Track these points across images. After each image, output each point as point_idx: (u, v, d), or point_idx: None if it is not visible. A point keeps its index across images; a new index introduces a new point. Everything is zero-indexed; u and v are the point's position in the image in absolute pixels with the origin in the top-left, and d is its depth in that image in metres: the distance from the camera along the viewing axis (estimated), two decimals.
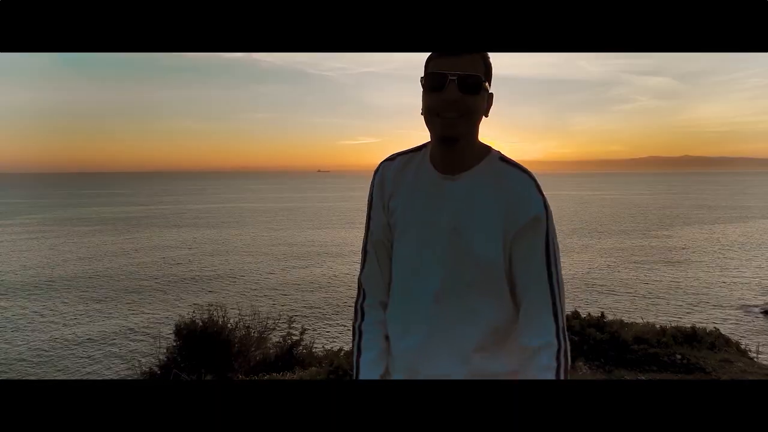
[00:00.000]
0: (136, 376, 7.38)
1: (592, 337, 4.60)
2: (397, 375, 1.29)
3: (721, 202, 65.75)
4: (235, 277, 22.04)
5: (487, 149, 1.22)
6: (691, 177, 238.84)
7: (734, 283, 21.07)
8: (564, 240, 32.83)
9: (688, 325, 5.61)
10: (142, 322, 15.35)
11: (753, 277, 21.89)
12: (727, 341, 5.54)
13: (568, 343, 1.14)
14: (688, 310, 16.86)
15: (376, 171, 1.32)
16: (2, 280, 20.59)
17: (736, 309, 17.38)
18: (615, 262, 25.55)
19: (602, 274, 22.81)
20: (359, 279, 1.37)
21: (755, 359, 5.19)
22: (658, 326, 5.26)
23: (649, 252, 28.46)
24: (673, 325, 5.55)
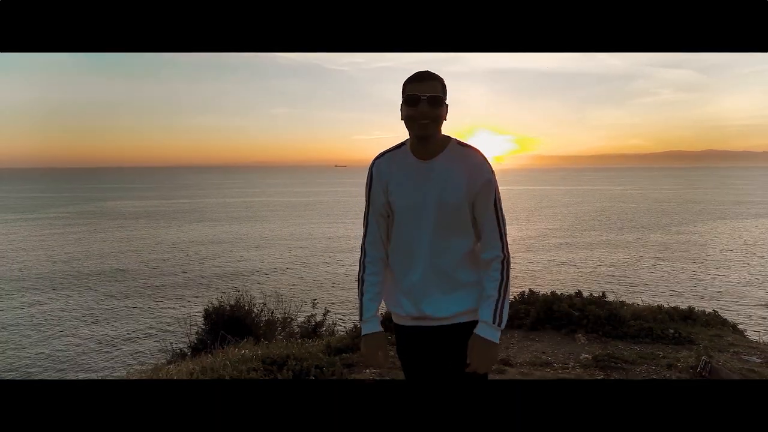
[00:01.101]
0: (168, 357, 7.85)
1: (593, 314, 5.02)
2: (405, 300, 1.83)
3: (746, 198, 64.59)
4: (257, 272, 22.66)
5: (448, 139, 1.81)
6: (715, 172, 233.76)
7: (758, 280, 20.92)
8: (585, 234, 32.84)
9: (685, 307, 5.96)
10: (170, 313, 16.04)
11: None
12: (723, 321, 5.88)
13: (508, 255, 1.79)
14: (707, 307, 16.94)
15: (372, 166, 1.88)
16: (32, 274, 21.51)
17: (760, 306, 17.32)
18: (635, 258, 25.51)
19: (621, 270, 22.83)
20: (363, 243, 1.91)
21: (744, 334, 5.55)
22: (656, 306, 5.65)
23: (670, 248, 28.31)
24: (672, 305, 5.91)
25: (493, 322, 1.70)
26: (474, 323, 1.75)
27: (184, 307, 15.75)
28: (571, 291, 5.79)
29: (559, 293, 5.63)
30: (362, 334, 1.83)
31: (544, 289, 6.01)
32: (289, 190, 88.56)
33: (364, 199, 1.95)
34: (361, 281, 1.87)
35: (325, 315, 8.07)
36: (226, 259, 24.60)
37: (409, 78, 1.75)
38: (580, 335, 4.80)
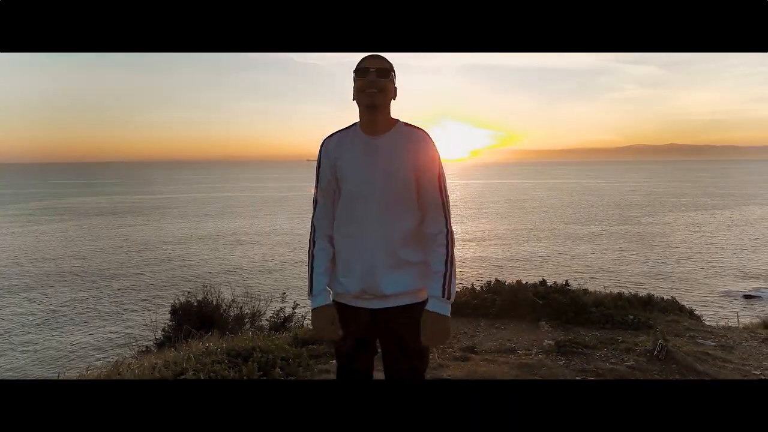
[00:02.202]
0: (132, 354, 7.71)
1: (556, 301, 5.13)
2: (347, 277, 1.85)
3: (705, 190, 66.74)
4: (226, 265, 22.36)
5: (395, 120, 1.88)
6: (677, 165, 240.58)
7: (717, 268, 21.59)
8: (551, 227, 33.45)
9: (644, 294, 6.15)
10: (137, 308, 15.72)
11: (733, 264, 22.48)
12: (680, 308, 6.10)
13: (451, 230, 1.83)
14: (667, 293, 17.48)
15: (322, 145, 1.93)
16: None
17: (719, 294, 17.89)
18: (599, 249, 26.07)
19: (587, 261, 23.30)
20: (312, 220, 1.96)
21: (701, 320, 5.76)
22: (616, 293, 5.81)
23: (633, 239, 29.02)
24: (632, 293, 6.09)
25: (443, 296, 1.73)
26: (415, 306, 1.78)
27: (147, 309, 15.45)
28: (536, 280, 5.90)
29: (524, 282, 5.74)
30: (312, 307, 1.84)
31: (510, 279, 6.12)
32: (260, 185, 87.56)
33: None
34: (311, 256, 1.91)
35: (294, 308, 8.03)
36: (192, 255, 24.22)
37: (362, 58, 1.83)
38: (543, 323, 4.91)
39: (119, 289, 17.75)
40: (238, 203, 51.54)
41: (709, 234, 30.07)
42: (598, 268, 21.41)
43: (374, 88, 1.78)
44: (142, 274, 20.30)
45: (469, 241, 28.14)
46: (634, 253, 24.39)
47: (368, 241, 1.81)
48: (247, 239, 28.89)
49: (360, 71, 1.80)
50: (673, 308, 5.84)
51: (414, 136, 1.84)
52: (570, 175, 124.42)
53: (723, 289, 18.18)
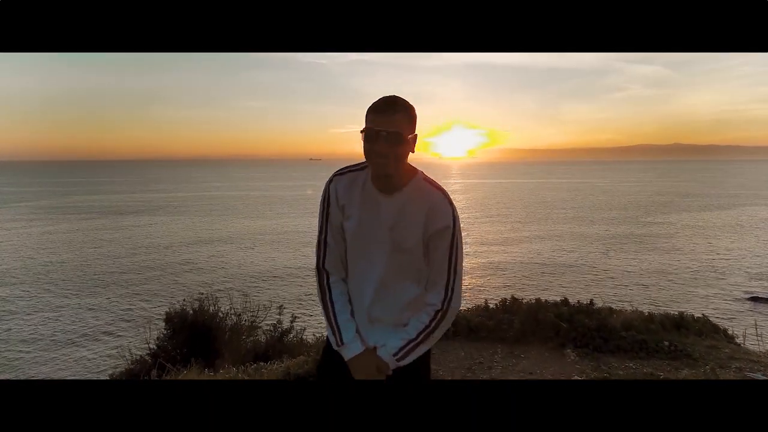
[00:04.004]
0: (125, 365, 7.37)
1: (581, 324, 4.59)
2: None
3: (709, 190, 66.25)
4: (225, 267, 21.97)
5: (414, 171, 1.64)
6: (681, 165, 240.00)
7: (721, 270, 21.25)
8: (555, 227, 32.95)
9: (676, 312, 5.62)
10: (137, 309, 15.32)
11: (738, 265, 22.10)
12: (714, 328, 5.56)
13: (450, 307, 1.66)
14: (676, 298, 17.01)
15: (330, 181, 1.70)
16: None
17: (723, 296, 17.54)
18: (605, 249, 25.69)
19: (591, 261, 22.94)
20: (321, 264, 1.73)
21: (741, 345, 5.22)
22: (646, 313, 5.27)
23: (638, 239, 28.64)
24: (661, 311, 5.56)
25: (394, 355, 1.62)
26: (406, 370, 1.64)
27: (144, 308, 15.00)
28: (555, 296, 5.36)
29: (543, 300, 5.20)
30: (347, 358, 1.64)
31: (526, 294, 5.59)
32: (264, 184, 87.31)
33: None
34: (330, 303, 1.71)
35: (292, 322, 7.59)
36: (193, 255, 23.78)
37: (370, 107, 1.57)
38: (569, 350, 4.36)
39: (120, 296, 17.28)
40: (244, 202, 51.11)
41: (714, 235, 29.53)
42: (608, 268, 20.91)
43: (383, 158, 1.53)
44: (150, 271, 19.84)
45: (500, 244, 27.53)
46: (641, 254, 23.89)
47: (367, 302, 1.67)
48: (249, 240, 28.43)
49: (367, 135, 1.54)
50: (707, 329, 5.29)
51: (430, 197, 1.61)
52: (575, 175, 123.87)
53: (736, 293, 17.67)
